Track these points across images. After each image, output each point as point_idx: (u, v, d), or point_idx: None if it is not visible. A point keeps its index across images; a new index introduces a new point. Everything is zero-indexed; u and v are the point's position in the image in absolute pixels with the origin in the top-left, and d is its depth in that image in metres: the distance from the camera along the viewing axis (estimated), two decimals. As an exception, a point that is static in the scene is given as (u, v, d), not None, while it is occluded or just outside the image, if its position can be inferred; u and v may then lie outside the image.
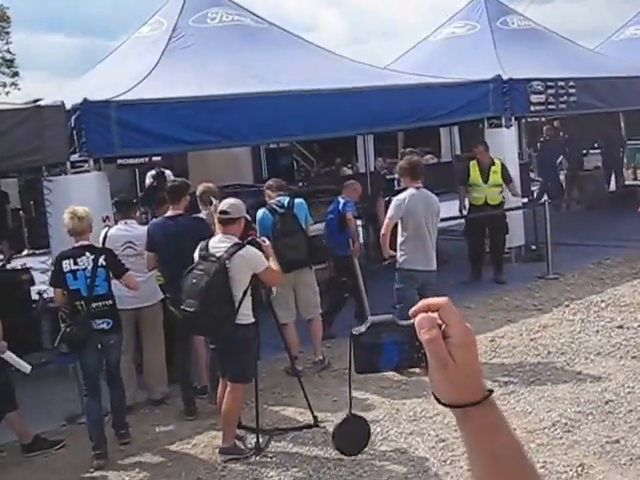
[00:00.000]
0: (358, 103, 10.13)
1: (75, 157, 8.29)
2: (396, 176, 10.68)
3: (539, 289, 10.82)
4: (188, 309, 6.05)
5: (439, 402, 1.19)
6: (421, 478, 5.67)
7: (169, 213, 7.53)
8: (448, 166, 19.63)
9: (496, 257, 11.66)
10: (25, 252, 14.91)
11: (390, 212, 8.20)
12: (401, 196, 8.20)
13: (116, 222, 7.91)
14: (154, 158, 12.49)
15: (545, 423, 6.41)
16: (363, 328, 1.19)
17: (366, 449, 6.18)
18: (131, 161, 9.67)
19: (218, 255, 6.14)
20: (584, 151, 18.56)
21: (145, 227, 7.90)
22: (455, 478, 5.63)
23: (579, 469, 5.55)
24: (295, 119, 9.59)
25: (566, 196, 17.44)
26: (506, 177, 11.38)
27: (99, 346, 6.64)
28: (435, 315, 1.15)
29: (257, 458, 6.30)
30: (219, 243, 6.26)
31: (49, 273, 7.94)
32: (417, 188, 8.15)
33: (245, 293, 6.19)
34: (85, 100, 8.16)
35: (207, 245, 6.30)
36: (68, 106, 8.16)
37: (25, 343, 9.12)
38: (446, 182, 18.54)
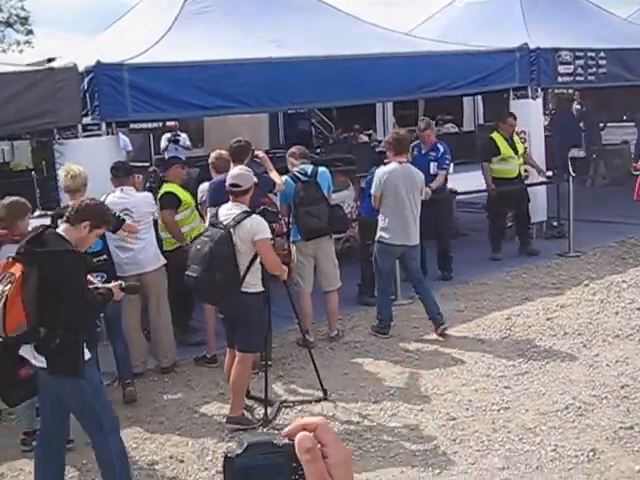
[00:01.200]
0: (379, 70, 10.08)
1: (87, 120, 8.35)
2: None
3: (559, 267, 10.82)
4: (191, 274, 6.20)
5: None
6: (429, 456, 5.76)
7: None
8: (470, 136, 19.52)
9: (524, 229, 11.71)
10: (37, 213, 14.98)
11: (372, 188, 8.49)
12: (380, 171, 8.44)
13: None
14: (168, 123, 12.53)
15: (558, 405, 6.46)
16: (239, 450, 1.16)
17: (375, 424, 6.32)
18: (144, 125, 9.69)
19: (225, 223, 6.29)
20: (601, 124, 18.33)
21: (143, 194, 8.01)
22: (464, 457, 5.72)
23: (590, 454, 5.61)
24: (313, 86, 9.55)
25: (591, 171, 17.31)
26: (525, 147, 11.51)
27: None
28: (311, 435, 1.16)
29: (264, 429, 6.42)
30: (228, 211, 6.41)
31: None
32: (400, 163, 8.35)
33: (252, 262, 6.31)
34: (98, 62, 8.18)
35: (217, 213, 6.48)
36: (81, 68, 8.19)
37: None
38: (468, 152, 18.48)
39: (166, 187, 8.48)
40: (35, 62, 12.55)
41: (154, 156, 13.57)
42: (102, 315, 7.38)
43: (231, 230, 6.21)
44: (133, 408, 7.03)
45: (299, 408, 6.81)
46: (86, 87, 8.28)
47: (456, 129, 20.61)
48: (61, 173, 7.26)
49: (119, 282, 5.43)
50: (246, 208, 6.38)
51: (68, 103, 8.13)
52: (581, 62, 12.41)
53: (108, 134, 8.51)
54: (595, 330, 8.22)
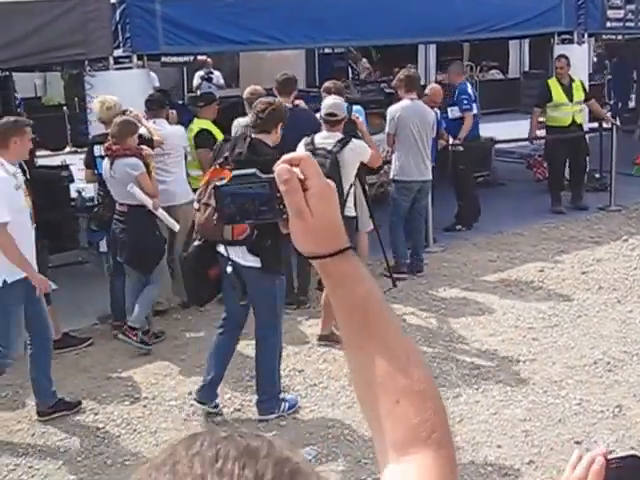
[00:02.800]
0: (419, 8, 9.87)
1: (119, 52, 8.36)
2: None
3: (598, 220, 10.69)
4: None
5: (299, 255, 1.28)
6: (450, 404, 5.78)
7: None
8: (515, 83, 19.27)
9: (578, 181, 11.54)
10: (67, 149, 15.08)
11: (387, 126, 8.80)
12: (393, 108, 8.71)
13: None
14: (199, 57, 12.51)
15: (587, 360, 6.46)
16: (225, 180, 1.26)
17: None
18: (176, 59, 9.71)
19: (328, 149, 6.64)
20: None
21: (175, 127, 8.07)
22: (485, 407, 5.75)
23: (616, 410, 5.62)
24: (350, 23, 9.42)
25: (640, 123, 16.97)
26: (587, 94, 11.28)
27: None
28: (297, 170, 1.22)
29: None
30: (325, 139, 6.79)
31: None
32: (411, 99, 8.60)
33: (351, 185, 6.76)
34: (130, -7, 8.18)
35: (312, 140, 6.85)
36: (113, -1, 8.20)
37: (62, 241, 9.41)
38: (512, 100, 18.28)
39: (200, 123, 8.50)
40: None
41: (187, 93, 13.60)
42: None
43: (337, 156, 6.61)
44: (155, 344, 7.13)
45: (321, 351, 6.87)
46: (118, 18, 8.26)
47: (501, 75, 20.35)
48: (96, 104, 7.39)
49: None
50: (341, 136, 6.78)
51: (99, 34, 8.14)
52: (632, 7, 12.06)
53: (139, 67, 8.53)
54: (631, 286, 8.16)
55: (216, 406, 5.84)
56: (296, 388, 6.18)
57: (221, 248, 5.55)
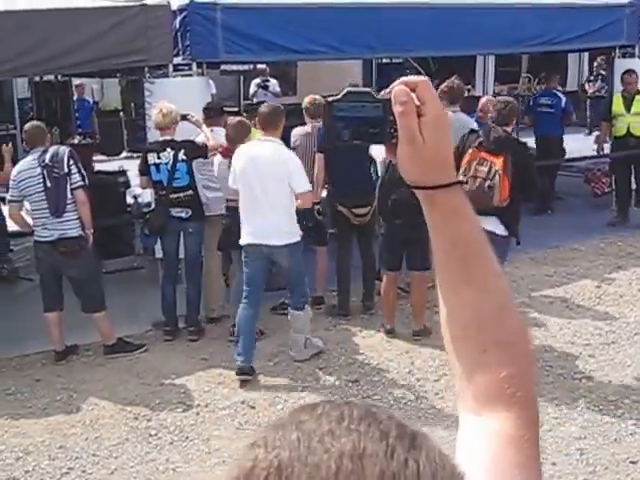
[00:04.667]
0: (480, 21, 9.84)
1: (178, 60, 8.45)
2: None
3: (657, 236, 10.55)
4: (397, 197, 6.81)
5: (406, 185, 1.23)
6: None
7: None
8: (573, 96, 19.05)
9: None
10: (123, 154, 15.31)
11: None
12: None
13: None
14: (259, 66, 12.60)
15: (644, 378, 6.37)
16: (340, 95, 1.21)
17: (450, 385, 6.32)
18: (235, 67, 9.79)
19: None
20: None
21: None
22: (540, 424, 5.68)
23: (673, 430, 5.54)
24: (410, 34, 9.40)
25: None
26: None
27: (181, 234, 7.49)
28: (413, 95, 1.17)
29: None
30: None
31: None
32: (453, 112, 8.51)
33: None
34: (191, 1, 8.23)
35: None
36: (174, 6, 8.28)
37: (117, 247, 9.54)
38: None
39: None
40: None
41: (243, 101, 13.69)
42: (183, 256, 7.58)
43: None
44: (207, 352, 7.19)
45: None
46: (178, 26, 8.35)
47: (560, 88, 20.15)
48: (154, 110, 7.51)
49: None
50: None
51: (160, 41, 8.22)
52: (697, 21, 11.85)
53: (199, 74, 8.61)
54: (689, 304, 8.03)
55: None
56: (349, 399, 6.16)
57: None
